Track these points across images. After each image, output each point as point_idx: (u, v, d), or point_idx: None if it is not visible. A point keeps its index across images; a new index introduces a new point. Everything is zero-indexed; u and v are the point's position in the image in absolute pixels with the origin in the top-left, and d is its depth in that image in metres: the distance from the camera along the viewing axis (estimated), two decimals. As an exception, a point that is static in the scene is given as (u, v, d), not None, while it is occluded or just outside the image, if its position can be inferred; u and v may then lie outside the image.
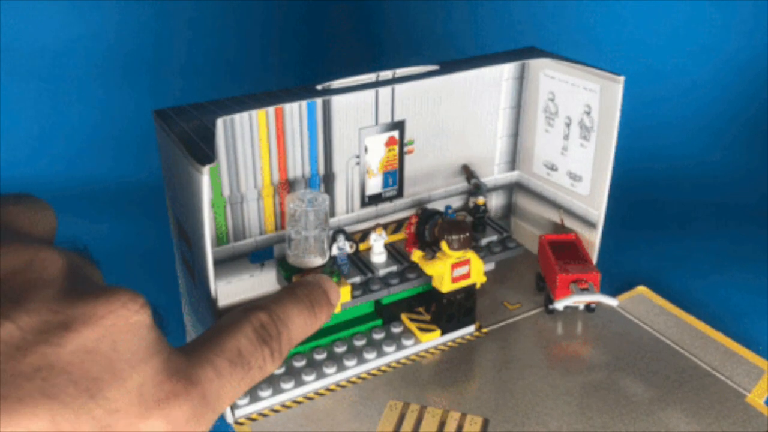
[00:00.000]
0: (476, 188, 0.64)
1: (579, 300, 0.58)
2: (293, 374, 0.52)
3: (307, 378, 0.52)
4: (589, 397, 0.51)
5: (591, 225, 0.62)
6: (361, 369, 0.54)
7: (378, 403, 0.51)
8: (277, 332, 0.29)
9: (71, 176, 0.89)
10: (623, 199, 0.70)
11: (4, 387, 0.19)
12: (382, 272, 0.57)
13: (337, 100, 0.55)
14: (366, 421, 0.49)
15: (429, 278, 0.56)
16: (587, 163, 0.61)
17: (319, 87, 0.52)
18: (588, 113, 0.60)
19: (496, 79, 0.64)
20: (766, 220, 0.82)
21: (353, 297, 0.54)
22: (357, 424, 0.49)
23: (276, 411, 0.50)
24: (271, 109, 0.53)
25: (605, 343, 0.57)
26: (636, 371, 0.54)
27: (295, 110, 0.54)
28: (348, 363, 0.54)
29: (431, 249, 0.57)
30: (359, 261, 0.58)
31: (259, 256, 0.57)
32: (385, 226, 0.60)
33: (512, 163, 0.69)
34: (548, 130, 0.65)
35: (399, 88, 0.58)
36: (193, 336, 0.57)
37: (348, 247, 0.56)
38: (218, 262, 0.54)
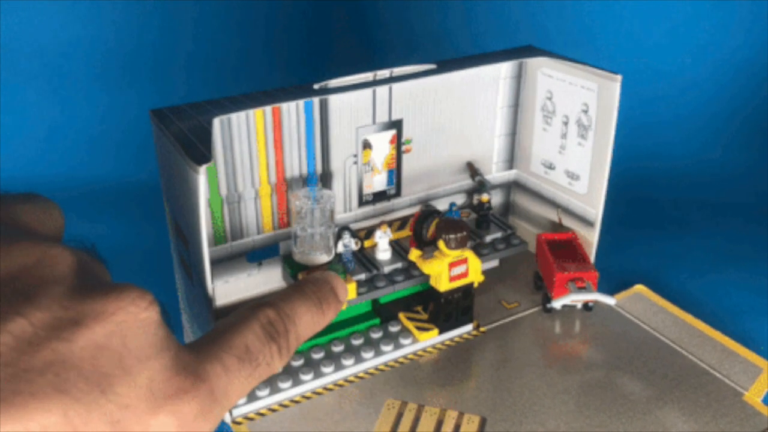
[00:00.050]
0: (480, 185, 0.64)
1: (577, 299, 0.58)
2: (291, 373, 0.52)
3: (304, 377, 0.52)
4: (587, 396, 0.51)
5: (589, 224, 0.62)
6: (359, 368, 0.54)
7: (376, 402, 0.51)
8: (285, 329, 0.29)
9: (71, 176, 0.89)
10: (621, 198, 0.70)
11: (17, 382, 0.19)
12: (387, 269, 0.57)
13: (334, 100, 0.56)
14: (364, 420, 0.49)
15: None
16: (585, 161, 0.61)
17: (316, 86, 0.52)
18: (586, 112, 0.60)
19: (494, 78, 0.64)
20: (764, 219, 0.82)
21: (358, 294, 0.54)
22: (355, 423, 0.49)
23: (273, 410, 0.50)
24: (268, 109, 0.53)
25: (603, 341, 0.57)
26: (634, 370, 0.54)
27: (292, 109, 0.54)
28: (346, 362, 0.54)
29: (430, 248, 0.57)
30: (364, 258, 0.58)
31: (256, 255, 0.57)
32: (389, 224, 0.60)
33: (510, 162, 0.69)
34: (546, 129, 0.65)
35: (396, 87, 0.58)
36: (191, 335, 0.57)
37: (353, 244, 0.56)
38: (216, 262, 0.55)
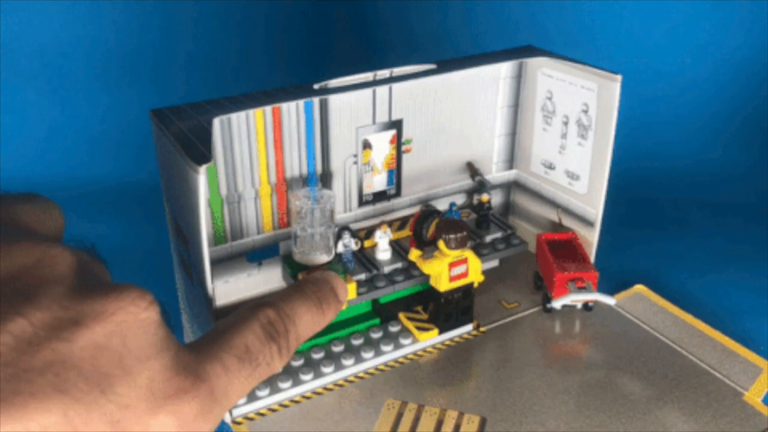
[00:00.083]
0: (480, 185, 0.64)
1: (577, 299, 0.58)
2: (291, 373, 0.52)
3: (304, 377, 0.52)
4: (587, 396, 0.51)
5: (589, 224, 0.62)
6: (359, 368, 0.54)
7: (376, 402, 0.51)
8: (285, 329, 0.29)
9: (71, 176, 0.89)
10: (621, 198, 0.70)
11: (17, 382, 0.19)
12: (387, 269, 0.57)
13: (334, 100, 0.56)
14: (364, 420, 0.49)
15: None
16: (585, 161, 0.61)
17: (316, 86, 0.52)
18: (586, 112, 0.60)
19: (494, 78, 0.64)
20: (764, 219, 0.82)
21: (358, 294, 0.54)
22: (355, 423, 0.49)
23: (273, 410, 0.50)
24: (268, 109, 0.53)
25: (603, 341, 0.57)
26: (634, 370, 0.54)
27: (292, 109, 0.54)
28: (346, 362, 0.54)
29: (429, 248, 0.57)
30: (364, 258, 0.58)
31: (257, 255, 0.57)
32: (389, 224, 0.60)
33: (510, 162, 0.69)
34: (546, 129, 0.65)
35: (396, 87, 0.58)
36: (191, 335, 0.57)
37: (353, 244, 0.56)
38: (216, 262, 0.55)
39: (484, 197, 0.63)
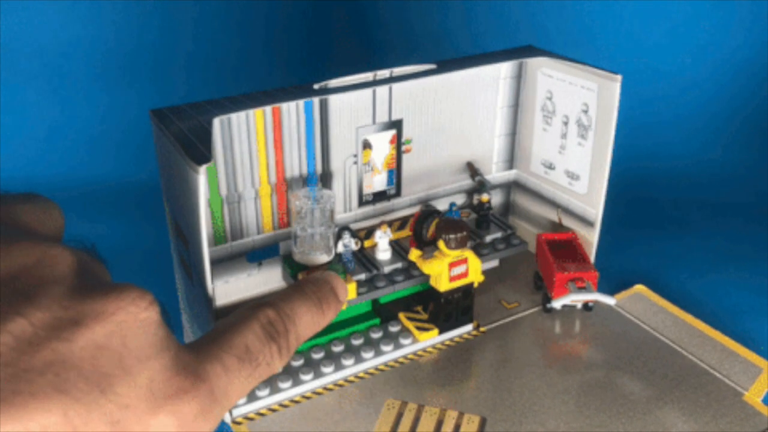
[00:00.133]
0: (480, 185, 0.64)
1: (577, 299, 0.58)
2: (291, 373, 0.52)
3: (304, 377, 0.52)
4: (587, 396, 0.51)
5: (589, 224, 0.62)
6: (359, 368, 0.54)
7: (376, 402, 0.51)
8: (285, 329, 0.29)
9: (71, 176, 0.90)
10: (621, 198, 0.70)
11: (17, 382, 0.19)
12: (387, 269, 0.57)
13: (334, 100, 0.56)
14: (364, 420, 0.49)
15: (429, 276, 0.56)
16: (585, 161, 0.61)
17: (316, 86, 0.52)
18: (586, 112, 0.60)
19: (494, 78, 0.64)
20: (764, 219, 0.82)
21: (358, 294, 0.54)
22: (355, 423, 0.49)
23: (273, 410, 0.50)
24: (268, 109, 0.53)
25: (603, 341, 0.57)
26: (634, 370, 0.54)
27: (292, 109, 0.54)
28: (346, 362, 0.54)
29: (430, 248, 0.57)
30: (364, 258, 0.58)
31: (257, 255, 0.57)
32: (389, 224, 0.60)
33: (510, 162, 0.69)
34: (546, 129, 0.65)
35: (396, 87, 0.58)
36: (191, 335, 0.57)
37: (353, 244, 0.56)
38: (216, 262, 0.55)
39: (484, 197, 0.63)
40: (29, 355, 0.19)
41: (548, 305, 0.60)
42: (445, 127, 0.63)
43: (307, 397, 0.52)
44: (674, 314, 0.61)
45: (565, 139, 0.63)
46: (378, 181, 0.61)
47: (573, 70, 0.60)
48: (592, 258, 0.62)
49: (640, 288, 0.64)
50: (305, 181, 0.57)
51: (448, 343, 0.57)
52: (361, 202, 0.61)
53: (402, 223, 0.62)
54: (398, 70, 0.54)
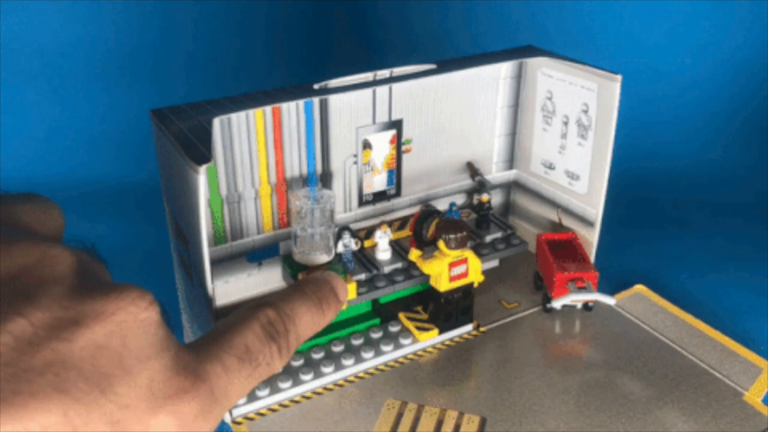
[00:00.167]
0: (480, 185, 0.64)
1: (577, 299, 0.58)
2: (291, 373, 0.52)
3: (304, 377, 0.52)
4: (587, 396, 0.51)
5: (589, 224, 0.62)
6: (359, 368, 0.54)
7: (376, 402, 0.51)
8: (285, 329, 0.29)
9: (71, 176, 0.90)
10: (621, 198, 0.70)
11: (17, 382, 0.19)
12: (387, 269, 0.57)
13: (334, 100, 0.56)
14: (364, 420, 0.49)
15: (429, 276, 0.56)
16: (585, 161, 0.61)
17: (316, 86, 0.52)
18: (586, 112, 0.60)
19: (494, 78, 0.64)
20: (764, 219, 0.82)
21: (358, 294, 0.54)
22: (355, 423, 0.49)
23: (274, 410, 0.50)
24: (268, 109, 0.53)
25: (603, 341, 0.57)
26: (634, 370, 0.54)
27: (292, 109, 0.54)
28: (346, 362, 0.54)
29: (430, 248, 0.57)
30: (364, 258, 0.58)
31: (257, 255, 0.57)
32: (389, 224, 0.60)
33: (510, 162, 0.69)
34: (546, 129, 0.65)
35: (396, 87, 0.58)
36: (191, 335, 0.57)
37: (353, 244, 0.56)
38: (216, 262, 0.55)
39: (484, 197, 0.63)
40: (29, 355, 0.19)
41: (548, 305, 0.60)
42: (445, 127, 0.63)
43: (307, 397, 0.52)
44: (674, 314, 0.61)
45: (565, 139, 0.63)
46: (378, 181, 0.61)
47: (573, 70, 0.60)
48: (592, 258, 0.62)
49: (640, 288, 0.64)
50: (305, 181, 0.57)
51: (448, 343, 0.57)
52: (361, 202, 0.61)
53: (402, 223, 0.62)
54: (398, 70, 0.54)
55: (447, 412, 0.50)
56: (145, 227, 0.76)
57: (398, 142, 0.60)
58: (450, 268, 0.55)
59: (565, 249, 0.62)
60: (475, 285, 0.57)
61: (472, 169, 0.66)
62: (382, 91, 0.57)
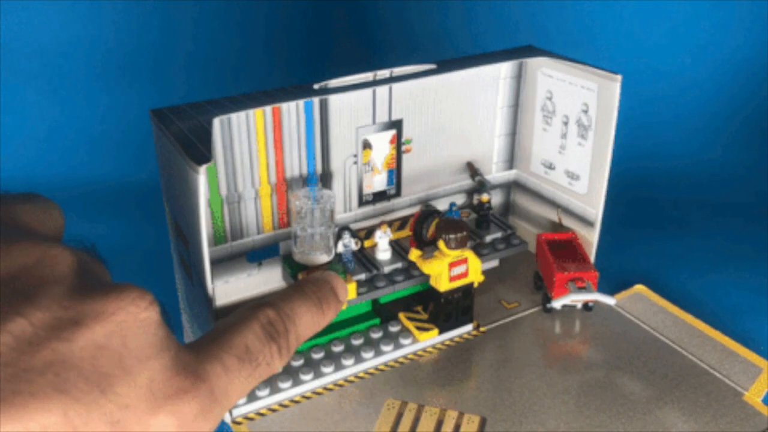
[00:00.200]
0: (480, 185, 0.64)
1: (577, 299, 0.58)
2: (291, 373, 0.52)
3: (304, 377, 0.52)
4: (587, 396, 0.51)
5: (589, 224, 0.62)
6: (359, 368, 0.54)
7: (376, 402, 0.51)
8: (285, 329, 0.29)
9: (71, 176, 0.90)
10: (621, 198, 0.70)
11: (17, 382, 0.19)
12: (387, 269, 0.57)
13: (334, 100, 0.56)
14: (364, 420, 0.49)
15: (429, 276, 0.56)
16: (585, 161, 0.61)
17: (316, 86, 0.52)
18: (586, 112, 0.60)
19: (494, 77, 0.64)
20: (764, 219, 0.82)
21: (358, 294, 0.54)
22: (355, 423, 0.49)
23: (273, 410, 0.50)
24: (268, 109, 0.53)
25: (603, 341, 0.57)
26: (634, 370, 0.54)
27: (292, 109, 0.54)
28: (346, 362, 0.54)
29: (430, 248, 0.57)
30: (364, 258, 0.58)
31: (256, 255, 0.57)
32: (389, 224, 0.60)
33: (510, 162, 0.69)
34: (546, 129, 0.65)
35: (396, 87, 0.58)
36: (191, 335, 0.57)
37: (353, 244, 0.56)
38: (216, 262, 0.55)
39: (484, 197, 0.63)
40: (29, 355, 0.19)
41: (548, 305, 0.60)
42: (445, 127, 0.63)
43: (307, 397, 0.52)
44: (674, 314, 0.61)
45: (565, 139, 0.63)
46: (378, 181, 0.61)
47: (573, 70, 0.60)
48: (592, 258, 0.62)
49: (640, 288, 0.64)
50: (305, 181, 0.57)
51: (448, 343, 0.57)
52: (361, 202, 0.61)
53: (402, 223, 0.62)
54: (398, 70, 0.54)
55: (447, 412, 0.50)
56: (145, 227, 0.76)
57: (398, 142, 0.60)
58: (450, 268, 0.55)
59: (565, 249, 0.62)
60: (475, 285, 0.57)
61: (472, 169, 0.66)
62: (382, 91, 0.57)
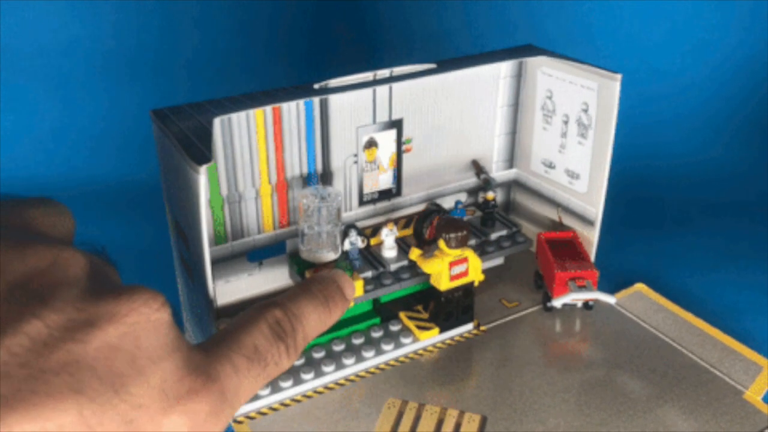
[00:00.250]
0: (486, 183, 0.64)
1: (577, 297, 0.59)
2: (292, 372, 0.52)
3: (305, 376, 0.52)
4: (587, 395, 0.51)
5: (589, 222, 0.63)
6: (360, 367, 0.54)
7: (376, 401, 0.51)
8: (292, 328, 0.30)
9: (72, 176, 0.90)
10: (621, 197, 0.70)
11: (33, 382, 0.19)
12: (393, 267, 0.57)
13: (334, 99, 0.56)
14: (364, 420, 0.49)
15: (430, 275, 0.57)
16: (585, 160, 0.62)
17: (316, 86, 0.52)
18: (586, 111, 0.60)
19: (494, 77, 0.64)
20: (764, 218, 0.82)
21: (365, 292, 0.55)
22: (355, 422, 0.49)
23: (275, 409, 0.50)
24: (268, 108, 0.53)
25: (603, 340, 0.57)
26: (634, 368, 0.54)
27: (292, 109, 0.54)
28: (346, 361, 0.54)
29: (431, 247, 0.57)
30: (370, 256, 0.58)
31: (257, 254, 0.57)
32: (395, 221, 0.60)
33: (510, 161, 0.69)
34: (546, 128, 0.65)
35: (396, 86, 0.58)
36: (192, 336, 0.57)
37: (360, 242, 0.56)
38: (216, 262, 0.55)
39: (489, 195, 0.63)
40: (45, 356, 0.20)
41: (548, 304, 0.60)
42: (445, 126, 0.63)
43: (308, 396, 0.52)
44: (674, 313, 0.61)
45: (565, 138, 0.63)
46: (384, 179, 0.61)
47: (573, 69, 0.60)
48: (592, 257, 0.62)
49: (640, 287, 0.64)
50: (306, 180, 0.57)
51: (448, 342, 0.57)
52: (362, 202, 0.61)
53: (407, 221, 0.62)
54: (398, 70, 0.55)
55: (448, 411, 0.50)
56: (146, 227, 0.76)
57: (398, 142, 0.61)
58: (450, 267, 0.55)
59: (566, 248, 0.62)
60: (476, 284, 0.57)
61: (477, 167, 0.66)
62: (382, 90, 0.57)
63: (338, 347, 0.55)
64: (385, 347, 0.55)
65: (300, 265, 0.55)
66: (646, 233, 0.78)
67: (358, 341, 0.56)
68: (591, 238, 0.62)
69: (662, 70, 1.01)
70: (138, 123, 0.88)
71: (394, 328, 0.57)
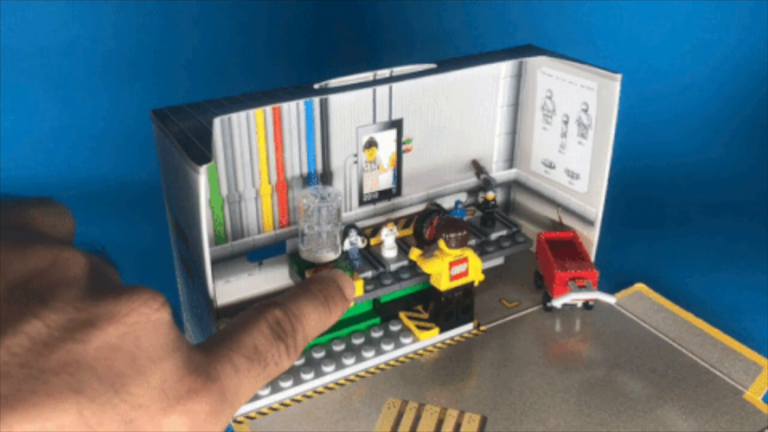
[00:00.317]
0: (486, 183, 0.64)
1: (577, 297, 0.59)
2: (292, 372, 0.52)
3: (305, 376, 0.52)
4: (587, 395, 0.51)
5: (589, 222, 0.63)
6: (360, 367, 0.54)
7: (376, 401, 0.51)
8: (292, 328, 0.30)
9: (72, 176, 0.90)
10: (621, 197, 0.70)
11: (33, 382, 0.19)
12: (393, 267, 0.57)
13: (334, 99, 0.56)
14: (364, 420, 0.49)
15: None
16: (585, 160, 0.62)
17: (316, 86, 0.52)
18: (586, 111, 0.60)
19: (494, 77, 0.64)
20: (763, 217, 0.82)
21: (365, 291, 0.55)
22: (355, 422, 0.49)
23: (275, 409, 0.50)
24: (268, 108, 0.53)
25: (603, 340, 0.57)
26: (634, 368, 0.54)
27: (292, 109, 0.54)
28: (346, 361, 0.54)
29: (431, 247, 0.57)
30: (370, 256, 0.58)
31: (257, 254, 0.57)
32: (395, 221, 0.60)
33: (510, 161, 0.69)
34: (546, 128, 0.65)
35: (396, 86, 0.58)
36: (192, 336, 0.57)
37: (360, 242, 0.56)
38: (216, 262, 0.55)
39: (489, 195, 0.63)
40: (45, 356, 0.20)
41: (548, 304, 0.60)
42: (445, 126, 0.63)
43: (308, 396, 0.52)
44: (674, 313, 0.61)
45: (565, 138, 0.63)
46: (384, 179, 0.61)
47: (573, 69, 0.60)
48: (592, 257, 0.62)
49: (640, 286, 0.64)
50: (306, 180, 0.57)
51: (448, 342, 0.57)
52: (362, 202, 0.61)
53: (407, 221, 0.62)
54: (398, 70, 0.55)
55: (448, 411, 0.50)
56: (146, 227, 0.77)
57: (398, 142, 0.61)
58: (450, 267, 0.55)
59: (566, 248, 0.62)
60: (476, 284, 0.57)
61: (477, 167, 0.66)
62: (382, 90, 0.57)
63: (338, 347, 0.55)
64: (385, 347, 0.55)
65: (300, 265, 0.55)
66: (646, 233, 0.78)
67: (358, 341, 0.56)
68: (591, 238, 0.62)
69: (662, 70, 1.01)
70: (138, 123, 0.88)
71: (394, 328, 0.57)
